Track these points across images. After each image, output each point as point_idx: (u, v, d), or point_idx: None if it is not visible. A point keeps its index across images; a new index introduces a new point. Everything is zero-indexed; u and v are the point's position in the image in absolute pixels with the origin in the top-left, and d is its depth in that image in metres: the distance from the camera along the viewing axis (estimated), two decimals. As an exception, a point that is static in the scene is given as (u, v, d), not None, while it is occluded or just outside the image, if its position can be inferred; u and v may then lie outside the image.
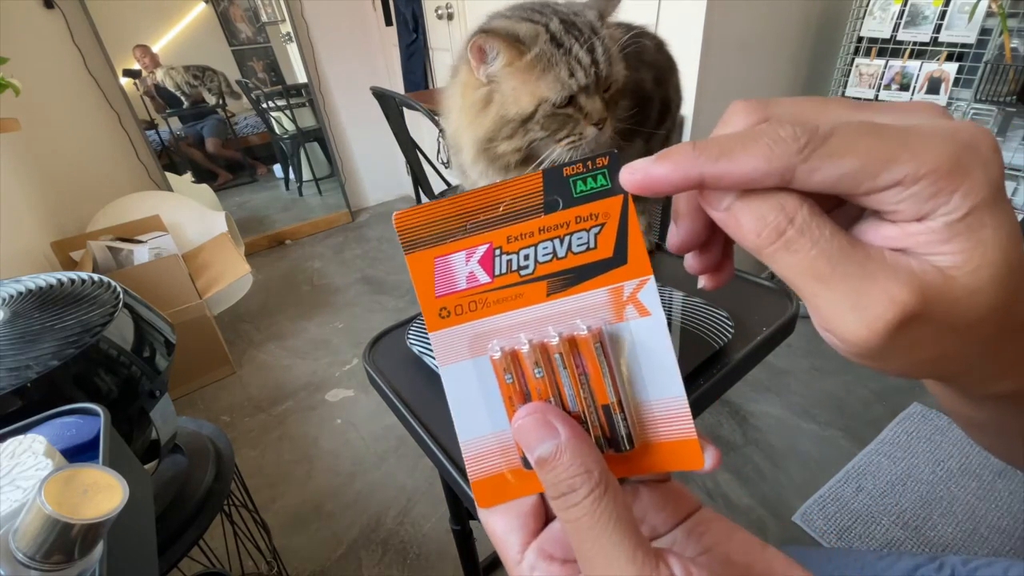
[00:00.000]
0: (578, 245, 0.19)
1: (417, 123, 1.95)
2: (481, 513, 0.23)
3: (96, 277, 0.71)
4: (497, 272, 0.20)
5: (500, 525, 0.22)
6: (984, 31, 1.40)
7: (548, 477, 0.19)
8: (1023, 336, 0.18)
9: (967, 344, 0.17)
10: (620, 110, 0.49)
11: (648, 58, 0.60)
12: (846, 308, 0.16)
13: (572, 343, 0.20)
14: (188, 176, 2.55)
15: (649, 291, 0.19)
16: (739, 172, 0.16)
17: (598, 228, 0.19)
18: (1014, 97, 1.36)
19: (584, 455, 0.19)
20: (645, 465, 0.21)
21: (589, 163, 0.19)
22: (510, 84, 0.41)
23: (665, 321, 0.20)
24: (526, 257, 0.20)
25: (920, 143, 0.15)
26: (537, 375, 0.20)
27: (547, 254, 0.20)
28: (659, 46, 0.63)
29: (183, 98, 2.44)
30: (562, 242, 0.20)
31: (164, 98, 2.39)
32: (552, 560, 0.21)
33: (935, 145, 0.15)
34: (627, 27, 0.60)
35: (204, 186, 2.56)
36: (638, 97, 0.58)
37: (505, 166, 0.46)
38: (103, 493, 0.33)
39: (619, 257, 0.19)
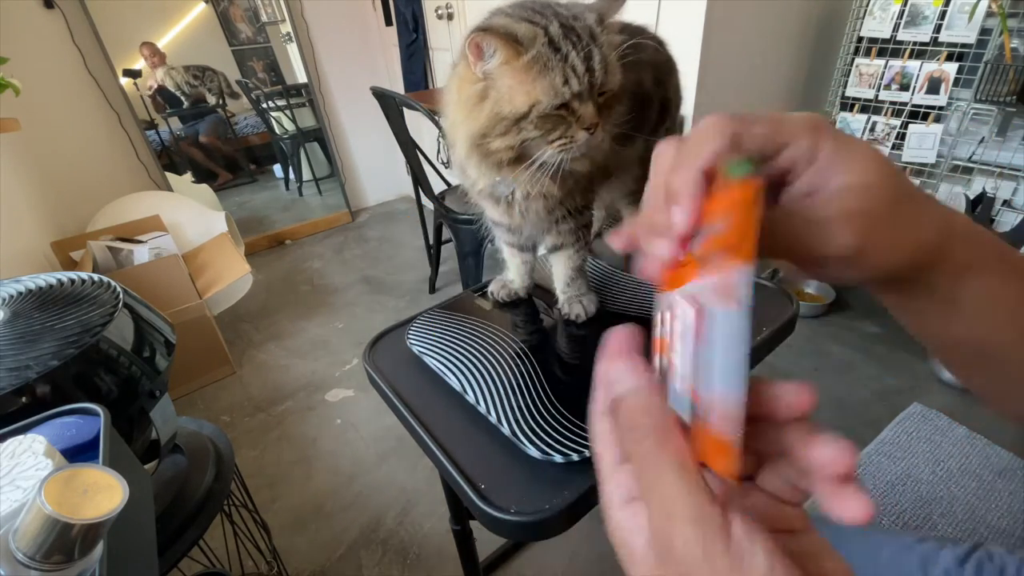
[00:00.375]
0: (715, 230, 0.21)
1: (417, 123, 1.95)
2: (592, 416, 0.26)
3: (96, 277, 0.71)
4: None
5: (599, 439, 0.25)
6: (984, 31, 1.40)
7: (623, 411, 0.22)
8: (925, 203, 0.25)
9: (905, 221, 0.24)
10: (616, 114, 0.50)
11: (647, 57, 0.60)
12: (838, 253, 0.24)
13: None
14: (188, 176, 2.54)
15: (740, 280, 0.19)
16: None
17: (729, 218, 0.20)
18: (1014, 97, 1.36)
19: (657, 403, 0.21)
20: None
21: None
22: (506, 82, 0.42)
23: (746, 315, 0.19)
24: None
25: (796, 118, 0.24)
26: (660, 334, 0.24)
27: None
28: (658, 46, 0.63)
29: (183, 98, 2.44)
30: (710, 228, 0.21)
31: (165, 98, 2.39)
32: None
33: (803, 119, 0.24)
34: (627, 27, 0.60)
35: (204, 186, 2.56)
36: (637, 98, 0.58)
37: (498, 163, 0.46)
38: (103, 493, 0.33)
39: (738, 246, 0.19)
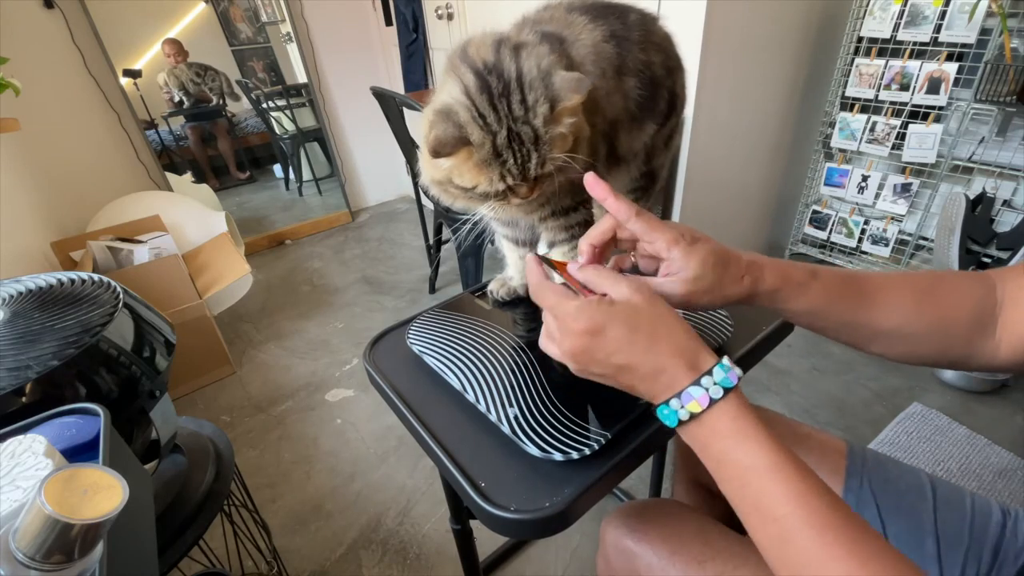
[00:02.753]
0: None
1: (417, 123, 1.95)
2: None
3: (96, 277, 0.71)
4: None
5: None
6: (984, 31, 1.40)
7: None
8: (740, 281, 0.43)
9: (716, 294, 0.42)
10: (627, 94, 0.57)
11: (658, 40, 0.61)
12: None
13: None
14: (188, 176, 2.55)
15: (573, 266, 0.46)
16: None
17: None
18: (1014, 97, 1.36)
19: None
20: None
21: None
22: (456, 165, 0.49)
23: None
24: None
25: (666, 226, 0.43)
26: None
27: None
28: (667, 37, 0.64)
29: (185, 98, 2.44)
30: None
31: (176, 101, 2.41)
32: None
33: (670, 226, 0.43)
34: (632, 10, 0.61)
35: (204, 186, 2.57)
36: (645, 79, 0.59)
37: (456, 198, 0.54)
38: (103, 493, 0.33)
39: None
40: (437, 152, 0.46)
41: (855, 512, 0.33)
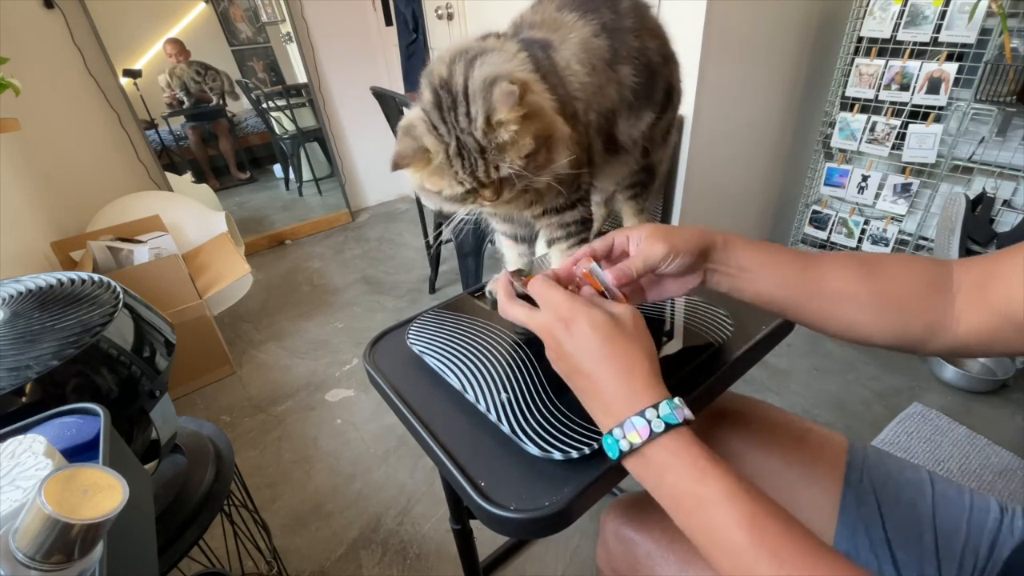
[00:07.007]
0: None
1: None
2: None
3: (96, 277, 0.71)
4: None
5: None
6: (984, 31, 1.40)
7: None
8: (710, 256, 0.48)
9: (679, 233, 0.46)
10: (621, 82, 0.60)
11: (651, 26, 0.62)
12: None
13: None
14: (188, 176, 2.55)
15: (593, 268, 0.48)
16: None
17: None
18: (1014, 97, 1.36)
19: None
20: None
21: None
22: (419, 173, 0.52)
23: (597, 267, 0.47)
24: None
25: (622, 231, 0.49)
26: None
27: None
28: (660, 25, 0.65)
29: (186, 97, 2.44)
30: None
31: (178, 102, 2.41)
32: None
33: (628, 230, 0.49)
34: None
35: (204, 186, 2.57)
36: (640, 66, 0.59)
37: (434, 202, 0.57)
38: (103, 493, 0.33)
39: None
40: (397, 164, 0.50)
41: (810, 531, 0.33)
